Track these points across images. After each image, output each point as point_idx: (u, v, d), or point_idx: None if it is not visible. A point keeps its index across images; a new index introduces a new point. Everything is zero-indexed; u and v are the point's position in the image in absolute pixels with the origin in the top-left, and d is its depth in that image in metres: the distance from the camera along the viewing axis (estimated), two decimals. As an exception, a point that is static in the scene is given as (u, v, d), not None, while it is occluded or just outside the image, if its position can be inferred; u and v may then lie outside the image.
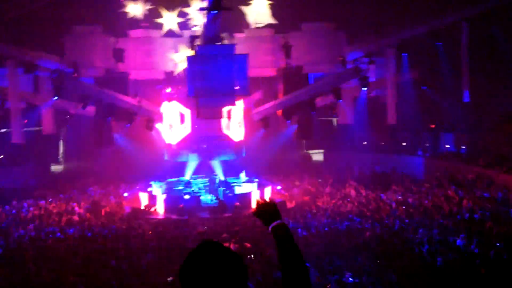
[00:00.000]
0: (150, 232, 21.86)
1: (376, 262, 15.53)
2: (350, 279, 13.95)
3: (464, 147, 29.95)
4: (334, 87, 28.23)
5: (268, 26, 29.87)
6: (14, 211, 25.81)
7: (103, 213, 25.99)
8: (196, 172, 29.66)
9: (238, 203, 26.54)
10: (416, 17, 28.00)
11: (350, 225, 21.09)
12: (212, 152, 29.21)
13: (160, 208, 27.02)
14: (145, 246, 19.33)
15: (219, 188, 27.99)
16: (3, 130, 29.27)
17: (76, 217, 25.24)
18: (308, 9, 29.67)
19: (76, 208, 26.42)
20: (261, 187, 28.31)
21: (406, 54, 28.53)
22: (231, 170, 29.51)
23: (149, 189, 28.52)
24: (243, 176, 29.42)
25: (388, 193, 26.68)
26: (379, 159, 31.04)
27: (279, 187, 28.92)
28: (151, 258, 17.67)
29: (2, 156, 29.30)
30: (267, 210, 3.79)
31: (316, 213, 23.85)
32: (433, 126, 30.80)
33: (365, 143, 31.60)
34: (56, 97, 27.61)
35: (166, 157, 30.01)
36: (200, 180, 29.43)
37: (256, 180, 28.89)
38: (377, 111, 29.33)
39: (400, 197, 25.55)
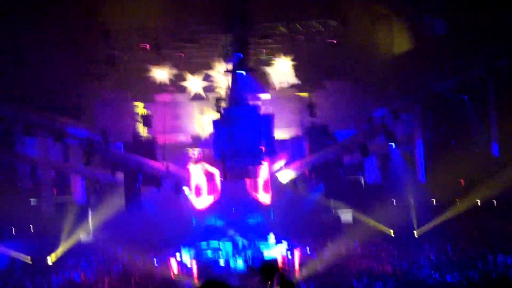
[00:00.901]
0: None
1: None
2: None
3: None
4: (361, 145, 28.13)
5: (292, 85, 30.12)
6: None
7: (133, 283, 25.93)
8: (225, 235, 29.51)
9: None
10: (441, 72, 27.88)
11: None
12: (240, 215, 29.16)
13: (190, 274, 26.91)
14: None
15: (248, 252, 27.81)
16: (33, 201, 29.65)
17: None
18: (332, 68, 29.85)
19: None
20: (290, 250, 28.04)
21: (432, 110, 28.29)
22: (259, 233, 29.31)
23: (178, 256, 28.45)
24: (271, 239, 29.19)
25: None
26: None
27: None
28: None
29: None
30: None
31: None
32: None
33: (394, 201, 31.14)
34: (85, 165, 27.94)
35: (194, 221, 30.04)
36: (228, 244, 29.27)
37: (285, 243, 28.62)
38: (405, 168, 29.05)
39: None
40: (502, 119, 26.28)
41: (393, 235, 29.39)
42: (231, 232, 29.40)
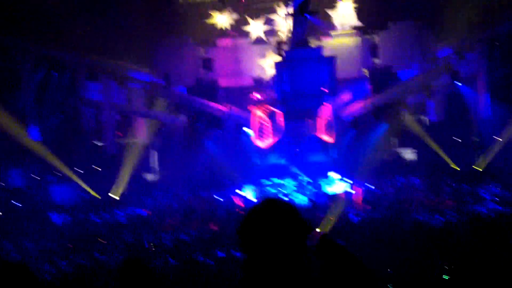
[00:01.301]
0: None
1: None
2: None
3: None
4: (424, 85, 27.99)
5: (355, 27, 30.05)
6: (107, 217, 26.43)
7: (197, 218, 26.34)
8: (287, 174, 29.72)
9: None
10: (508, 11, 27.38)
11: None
12: (302, 154, 29.33)
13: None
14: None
15: (310, 188, 28.01)
16: (99, 144, 30.27)
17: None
18: (394, 9, 29.59)
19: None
20: (353, 186, 28.11)
21: (498, 49, 27.82)
22: (321, 171, 29.40)
23: (241, 193, 28.75)
24: (333, 175, 29.21)
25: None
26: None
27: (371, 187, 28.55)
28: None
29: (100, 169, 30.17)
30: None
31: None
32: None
33: (460, 140, 30.77)
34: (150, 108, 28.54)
35: (257, 161, 30.32)
36: (291, 181, 29.44)
37: (348, 180, 28.66)
38: (468, 106, 28.73)
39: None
40: None
41: (458, 169, 29.11)
42: (293, 169, 29.63)
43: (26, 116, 24.98)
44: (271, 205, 3.16)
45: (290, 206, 3.18)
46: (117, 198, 29.09)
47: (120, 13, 30.57)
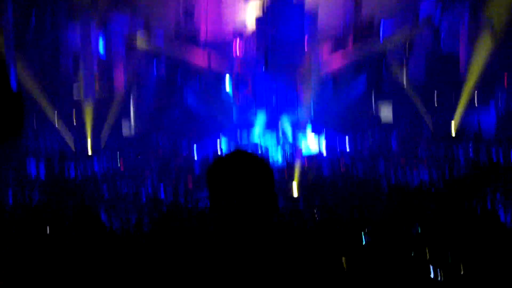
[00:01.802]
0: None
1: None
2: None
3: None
4: (406, 40, 27.88)
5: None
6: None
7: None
8: (266, 129, 29.75)
9: (305, 164, 26.55)
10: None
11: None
12: (281, 107, 29.32)
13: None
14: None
15: (286, 146, 28.11)
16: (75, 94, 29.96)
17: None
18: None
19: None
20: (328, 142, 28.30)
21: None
22: (299, 126, 29.46)
23: (218, 142, 28.81)
24: (309, 135, 29.31)
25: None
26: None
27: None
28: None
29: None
30: None
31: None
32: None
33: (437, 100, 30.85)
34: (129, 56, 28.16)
35: (234, 114, 30.32)
36: (269, 136, 29.47)
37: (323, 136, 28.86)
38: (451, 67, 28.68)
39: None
40: None
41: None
42: (272, 125, 29.72)
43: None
44: (241, 154, 3.23)
45: (262, 160, 3.24)
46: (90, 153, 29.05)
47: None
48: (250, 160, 3.17)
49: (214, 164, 3.21)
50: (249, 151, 3.32)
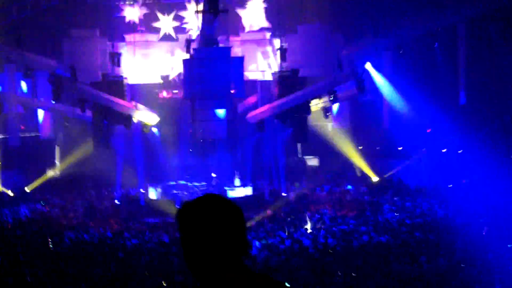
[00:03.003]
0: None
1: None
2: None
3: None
4: (330, 90, 28.32)
5: (264, 29, 30.06)
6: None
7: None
8: (192, 174, 29.92)
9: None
10: (414, 19, 27.89)
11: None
12: (207, 154, 29.50)
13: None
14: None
15: (213, 191, 28.22)
16: (1, 136, 29.63)
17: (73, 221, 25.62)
18: (304, 12, 29.71)
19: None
20: (256, 191, 28.60)
21: (403, 56, 28.34)
22: (226, 174, 29.75)
23: (144, 192, 28.83)
24: (235, 180, 29.67)
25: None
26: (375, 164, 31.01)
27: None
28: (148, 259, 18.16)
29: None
30: None
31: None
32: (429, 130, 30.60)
33: (361, 147, 31.57)
34: (54, 101, 27.89)
35: (164, 161, 30.43)
36: (196, 183, 29.64)
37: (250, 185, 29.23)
38: (373, 114, 29.37)
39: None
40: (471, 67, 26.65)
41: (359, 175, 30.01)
42: (199, 171, 29.93)
43: None
44: (212, 198, 3.26)
45: (232, 203, 3.28)
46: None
47: (27, 2, 29.86)
48: (221, 204, 3.22)
49: (184, 208, 3.24)
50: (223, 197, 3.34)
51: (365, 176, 30.79)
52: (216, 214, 3.17)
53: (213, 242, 3.14)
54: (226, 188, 29.40)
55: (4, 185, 30.13)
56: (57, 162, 32.08)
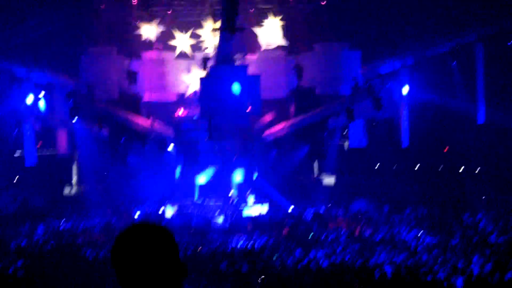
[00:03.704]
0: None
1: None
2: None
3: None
4: (347, 108, 28.24)
5: (280, 47, 30.11)
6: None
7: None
8: (208, 193, 29.88)
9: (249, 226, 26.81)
10: (432, 37, 27.84)
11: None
12: (225, 173, 29.54)
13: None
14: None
15: (229, 211, 28.30)
16: (17, 154, 29.78)
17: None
18: (321, 29, 29.73)
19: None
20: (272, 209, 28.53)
21: (421, 75, 28.22)
22: (241, 192, 29.70)
23: (160, 212, 28.83)
24: (250, 198, 29.61)
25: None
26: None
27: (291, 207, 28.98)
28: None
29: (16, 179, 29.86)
30: None
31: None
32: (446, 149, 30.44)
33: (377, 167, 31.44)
34: (72, 119, 28.06)
35: (180, 179, 30.45)
36: (212, 202, 29.60)
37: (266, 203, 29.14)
38: (390, 133, 29.18)
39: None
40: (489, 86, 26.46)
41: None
42: (215, 189, 29.88)
43: None
44: (141, 228, 3.15)
45: (163, 228, 3.19)
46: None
47: (44, 20, 30.07)
48: (151, 232, 3.12)
49: (116, 242, 3.13)
50: (150, 222, 3.25)
51: (380, 195, 30.59)
52: (146, 243, 3.08)
53: (149, 271, 3.07)
54: (242, 206, 29.37)
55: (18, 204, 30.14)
56: (74, 179, 32.20)
